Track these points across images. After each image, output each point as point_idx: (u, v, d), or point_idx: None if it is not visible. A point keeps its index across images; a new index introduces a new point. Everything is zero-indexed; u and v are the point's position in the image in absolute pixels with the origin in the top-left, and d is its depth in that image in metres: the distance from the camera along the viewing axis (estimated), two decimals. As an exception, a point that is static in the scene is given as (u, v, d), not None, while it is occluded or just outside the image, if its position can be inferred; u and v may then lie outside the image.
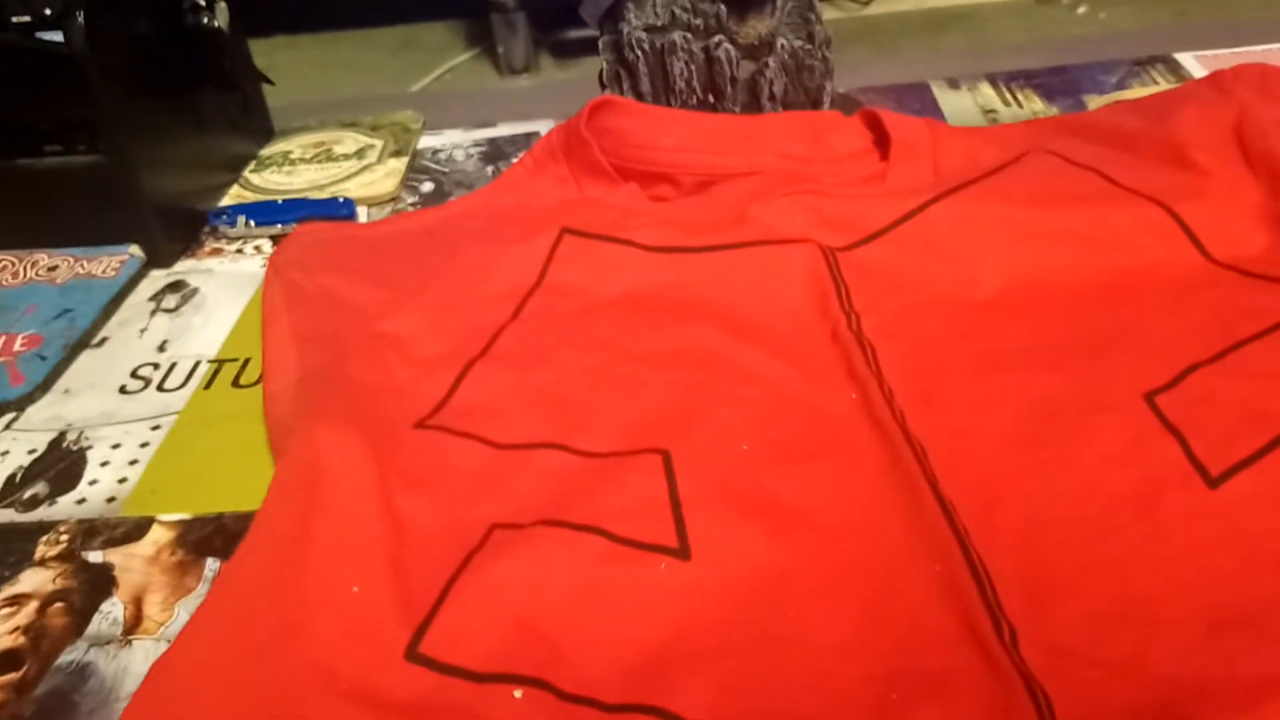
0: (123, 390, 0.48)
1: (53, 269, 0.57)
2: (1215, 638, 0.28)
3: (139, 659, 0.35)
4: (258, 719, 0.30)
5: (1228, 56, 0.55)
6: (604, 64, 0.55)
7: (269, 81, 0.67)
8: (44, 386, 0.49)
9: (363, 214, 0.59)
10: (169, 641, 0.35)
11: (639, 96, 0.54)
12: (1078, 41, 0.70)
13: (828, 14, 0.54)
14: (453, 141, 0.65)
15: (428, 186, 0.61)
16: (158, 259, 0.57)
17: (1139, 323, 0.39)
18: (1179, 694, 0.27)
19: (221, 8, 0.59)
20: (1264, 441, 0.33)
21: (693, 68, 0.52)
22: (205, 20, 0.59)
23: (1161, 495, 0.33)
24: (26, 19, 0.56)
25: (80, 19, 0.51)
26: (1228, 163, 0.45)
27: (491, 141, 0.64)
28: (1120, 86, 0.59)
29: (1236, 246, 0.42)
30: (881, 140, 0.52)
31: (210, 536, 0.39)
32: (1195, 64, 0.60)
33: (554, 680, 0.30)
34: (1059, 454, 0.35)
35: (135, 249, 0.57)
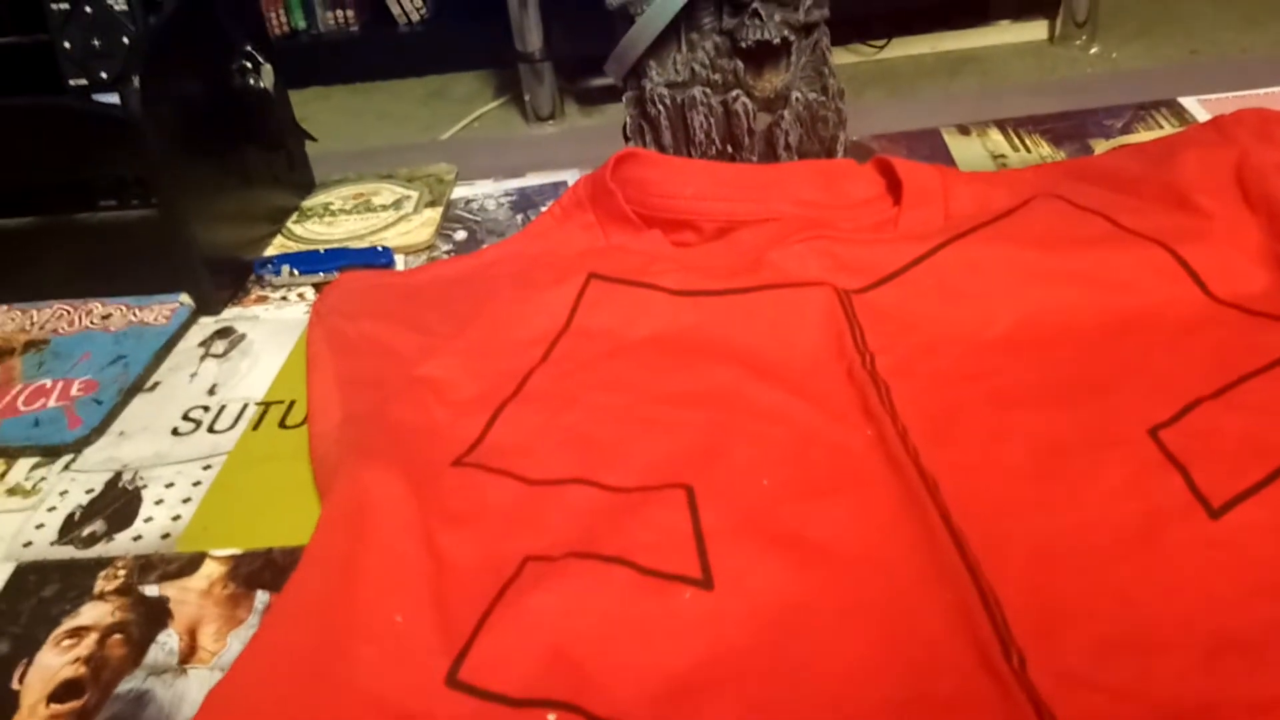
0: (175, 432, 0.51)
1: (106, 317, 0.59)
2: (1216, 662, 0.30)
3: (195, 687, 0.37)
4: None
5: (1231, 100, 0.57)
6: (628, 117, 0.57)
7: (312, 138, 0.70)
8: (100, 429, 0.51)
9: (400, 262, 0.61)
10: (223, 670, 0.37)
11: (661, 148, 0.56)
12: (1089, 80, 0.72)
13: (843, 58, 0.57)
14: (484, 192, 0.68)
15: (461, 235, 0.64)
16: (206, 307, 0.60)
17: (1143, 360, 0.41)
18: (1181, 716, 0.29)
19: (267, 70, 0.62)
20: (1265, 473, 0.35)
21: (712, 120, 0.55)
22: (252, 81, 0.62)
23: (1165, 526, 0.34)
24: (84, 82, 0.59)
25: (136, 83, 0.54)
26: (1229, 205, 0.46)
27: (521, 191, 0.67)
28: (1125, 131, 0.61)
29: (1238, 285, 0.44)
30: (894, 186, 0.54)
31: (260, 570, 0.42)
32: (1199, 108, 0.62)
33: (587, 705, 0.31)
34: (1066, 488, 0.36)
35: (185, 298, 0.60)
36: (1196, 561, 0.33)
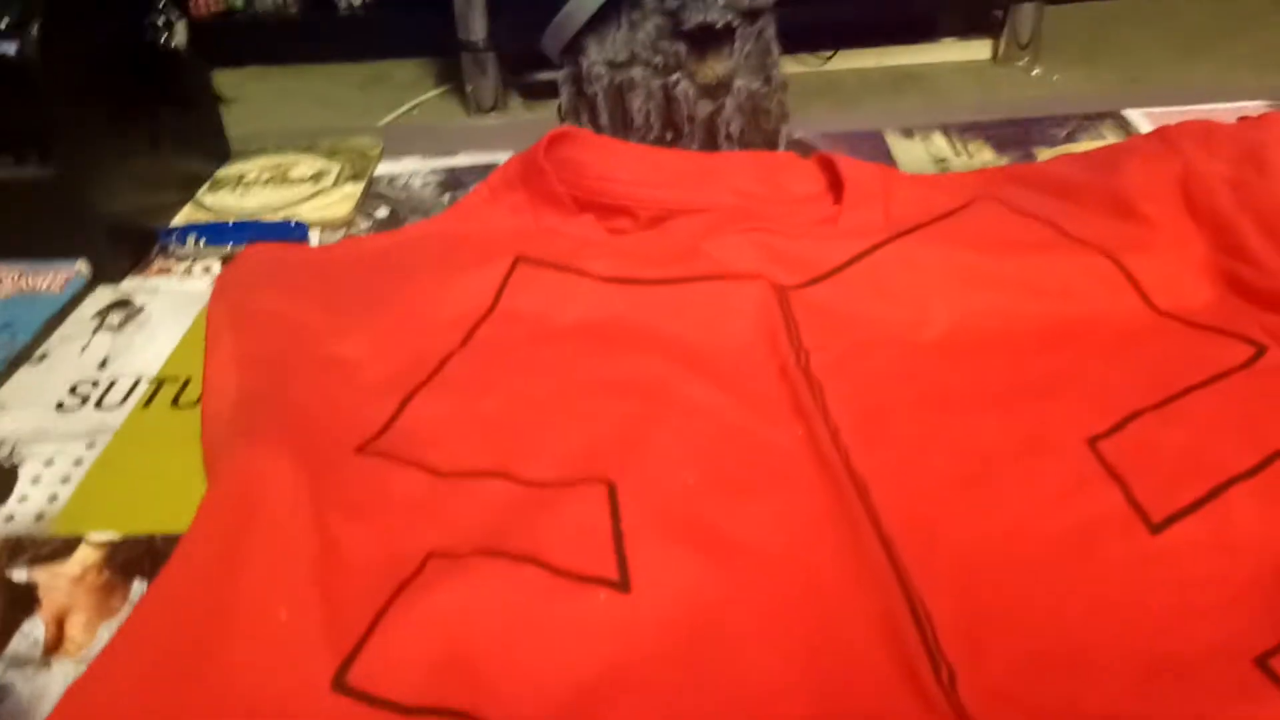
0: (59, 407, 0.47)
1: (-6, 282, 0.55)
2: (1148, 685, 0.28)
3: (58, 681, 0.34)
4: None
5: (1175, 114, 0.56)
6: (563, 96, 0.55)
7: (226, 101, 0.67)
8: (-23, 402, 0.47)
9: (315, 238, 0.58)
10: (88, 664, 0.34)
11: (598, 129, 0.54)
12: (1032, 101, 0.72)
13: (790, 67, 0.55)
14: (411, 169, 0.65)
15: (383, 212, 0.60)
16: (105, 275, 0.56)
17: (1083, 369, 0.40)
18: (1114, 738, 0.27)
19: (180, 27, 0.59)
20: (1206, 489, 0.34)
21: (651, 104, 0.53)
22: (164, 38, 0.58)
23: (1101, 539, 0.33)
24: (-19, 29, 0.55)
25: (35, 30, 0.50)
26: (1172, 215, 0.46)
27: (450, 171, 0.64)
28: (1070, 140, 0.61)
29: (1180, 298, 0.43)
30: (835, 184, 0.52)
31: (139, 558, 0.38)
32: (1143, 120, 0.62)
33: (484, 715, 0.29)
34: (999, 495, 0.35)
35: (82, 265, 0.56)
36: (1133, 578, 0.31)
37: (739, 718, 0.29)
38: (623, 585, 0.32)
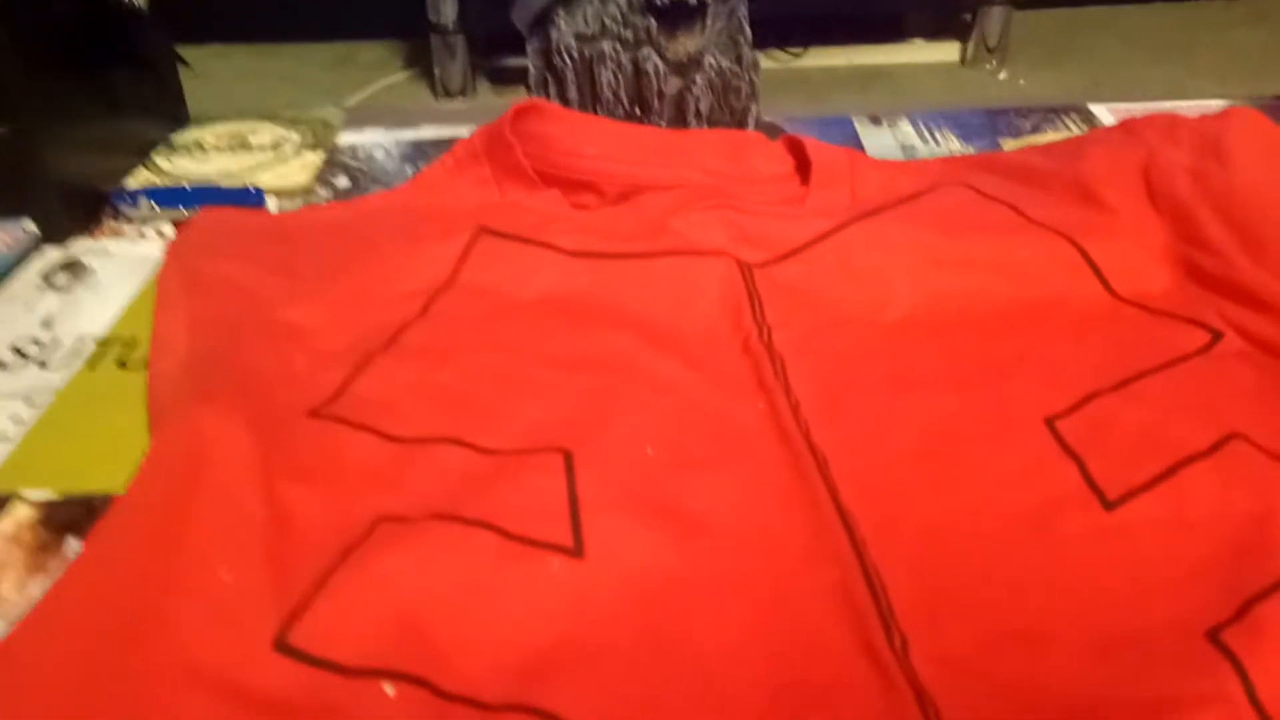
0: (1, 365, 0.45)
1: (-63, 239, 0.53)
2: (1105, 659, 0.28)
3: (-15, 641, 0.32)
4: (108, 712, 0.28)
5: (1139, 110, 0.57)
6: (531, 69, 0.54)
7: (185, 64, 0.65)
8: (-87, 358, 0.46)
9: (273, 205, 0.57)
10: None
11: (565, 103, 0.53)
12: (997, 103, 0.72)
13: (761, 63, 0.55)
14: (374, 140, 0.64)
15: (343, 182, 0.59)
16: (53, 235, 0.54)
17: (1043, 350, 0.40)
18: (1067, 713, 0.27)
19: (141, -15, 0.57)
20: (1162, 468, 0.34)
21: (620, 79, 0.52)
22: (124, -3, 0.57)
23: (1058, 516, 0.33)
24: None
25: (-12, -17, 0.49)
26: (1134, 203, 0.46)
27: (415, 144, 0.63)
28: (1035, 131, 0.61)
29: (1140, 283, 0.43)
30: (802, 166, 0.52)
31: (77, 519, 0.37)
32: (1107, 114, 0.62)
33: (432, 678, 0.28)
34: (958, 471, 0.35)
35: (29, 224, 0.54)
36: (1090, 554, 0.31)
37: (692, 685, 0.28)
38: (577, 552, 0.32)
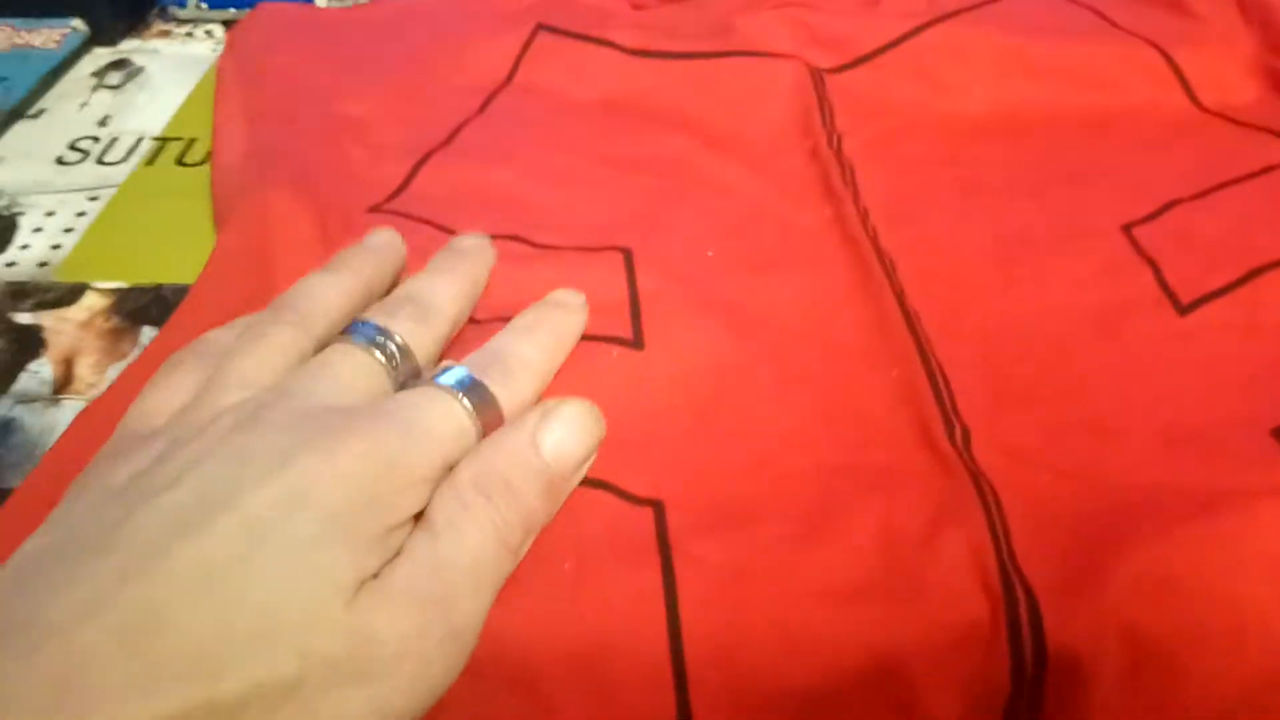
0: (60, 161, 0.45)
1: (-13, 36, 0.53)
2: (1170, 451, 0.28)
3: (66, 416, 0.34)
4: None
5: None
6: None
7: None
8: (-26, 152, 0.46)
9: (322, 3, 0.55)
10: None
11: (626, -103, 0.51)
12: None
13: None
14: (424, -58, 0.61)
15: (395, -17, 0.57)
16: (102, 35, 0.54)
17: (1122, 159, 0.38)
18: (1129, 501, 0.27)
19: None
20: (1238, 274, 0.33)
21: None
22: None
23: (1129, 317, 0.32)
24: None
25: None
26: (1224, 11, 0.43)
27: (465, -54, 0.61)
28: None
29: (1226, 94, 0.41)
30: (878, -34, 0.49)
31: (147, 306, 0.38)
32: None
33: None
34: (1030, 274, 0.34)
35: (78, 23, 0.53)
36: (1159, 354, 0.31)
37: (749, 464, 0.29)
38: (636, 343, 0.32)
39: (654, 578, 0.25)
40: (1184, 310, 0.32)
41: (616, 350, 0.32)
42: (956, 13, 0.44)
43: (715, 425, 0.30)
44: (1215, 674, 0.23)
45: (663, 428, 0.30)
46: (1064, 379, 0.31)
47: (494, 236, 0.37)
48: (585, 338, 0.32)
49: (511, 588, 0.25)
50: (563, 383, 0.31)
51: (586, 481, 0.28)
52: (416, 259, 0.35)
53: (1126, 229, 0.35)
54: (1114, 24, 0.43)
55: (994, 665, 0.24)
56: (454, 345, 0.32)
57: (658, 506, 0.27)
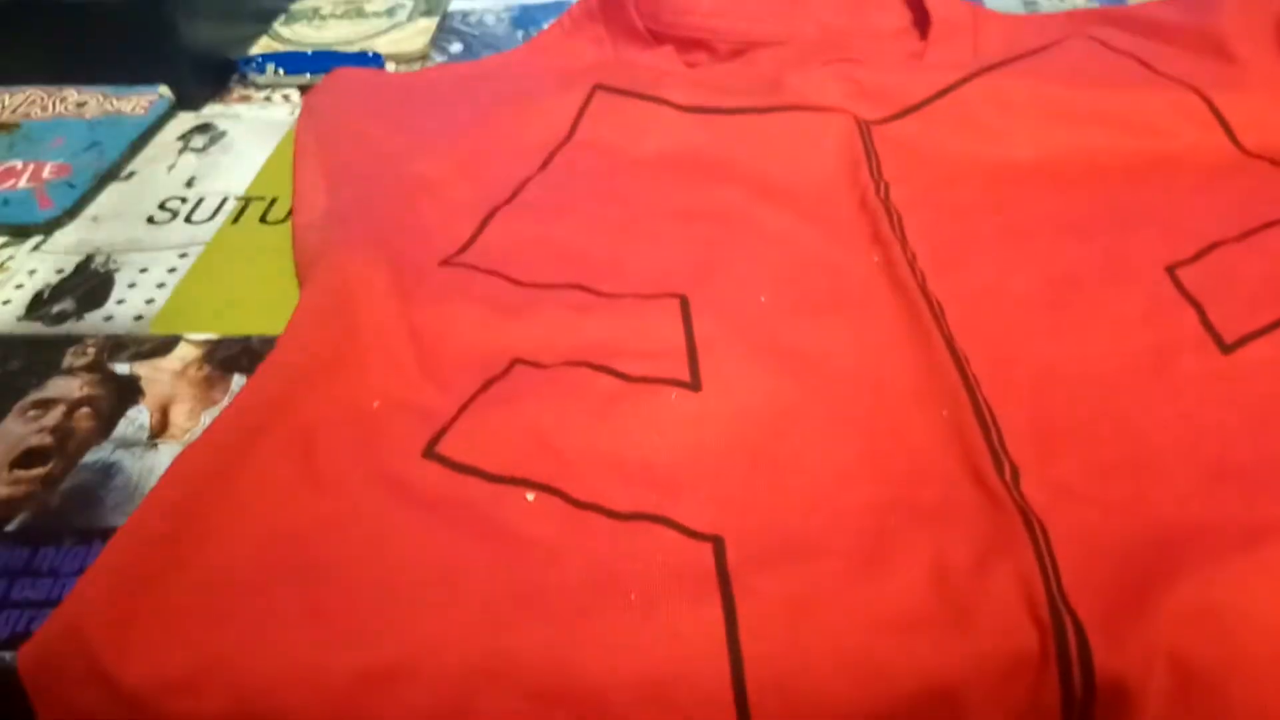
0: (150, 220, 0.48)
1: (81, 105, 0.56)
2: (1215, 486, 0.29)
3: (165, 460, 0.36)
4: (277, 510, 0.31)
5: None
6: (645, -73, 0.54)
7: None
8: (72, 213, 0.49)
9: (391, 70, 0.58)
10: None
11: (679, -39, 0.53)
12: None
13: None
14: (484, 5, 0.65)
15: (457, 47, 0.60)
16: (187, 101, 0.57)
17: (1166, 202, 0.40)
18: (1175, 535, 0.28)
19: None
20: (1280, 314, 0.34)
21: (735, -66, 0.52)
22: None
23: (1175, 358, 0.33)
24: None
25: None
26: (1265, 55, 0.44)
27: (524, 8, 0.64)
28: (1165, -16, 0.58)
29: (1267, 137, 0.42)
30: (920, 20, 0.51)
31: (237, 356, 0.40)
32: (1244, -32, 0.59)
33: (564, 488, 0.31)
34: (1076, 317, 0.35)
35: (164, 90, 0.57)
36: (1204, 393, 0.32)
37: (804, 502, 0.30)
38: (694, 386, 0.34)
39: (715, 609, 0.27)
40: (1227, 349, 0.33)
41: (675, 393, 0.33)
42: (1000, 64, 0.45)
43: (771, 464, 0.31)
44: (1261, 701, 0.23)
45: (721, 466, 0.31)
46: (1110, 417, 0.32)
47: (557, 285, 0.39)
48: (645, 381, 0.34)
49: (579, 618, 0.26)
50: (625, 425, 0.33)
51: (649, 517, 0.30)
52: (484, 308, 0.38)
53: (1170, 270, 0.36)
54: (1155, 70, 0.45)
55: (1044, 694, 0.25)
56: (518, 388, 0.34)
57: (718, 542, 0.29)
